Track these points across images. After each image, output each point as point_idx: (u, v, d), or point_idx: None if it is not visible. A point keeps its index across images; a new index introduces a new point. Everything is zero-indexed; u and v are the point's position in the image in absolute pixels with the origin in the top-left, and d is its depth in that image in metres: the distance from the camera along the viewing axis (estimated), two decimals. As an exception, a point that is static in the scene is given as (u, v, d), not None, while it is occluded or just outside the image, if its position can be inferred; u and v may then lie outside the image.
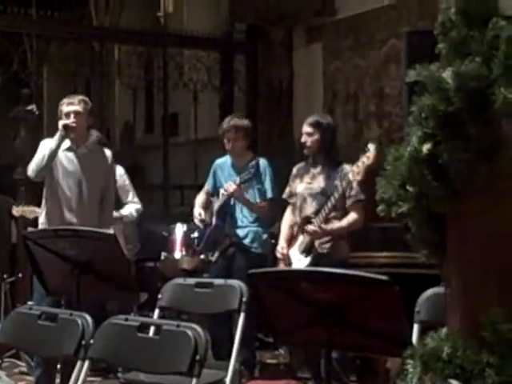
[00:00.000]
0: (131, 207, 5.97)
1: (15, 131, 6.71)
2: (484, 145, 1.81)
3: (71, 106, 5.00)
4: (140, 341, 2.98)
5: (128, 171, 6.13)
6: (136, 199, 6.03)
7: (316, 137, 5.13)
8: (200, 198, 5.96)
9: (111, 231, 4.35)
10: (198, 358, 2.81)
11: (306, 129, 5.17)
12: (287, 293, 3.10)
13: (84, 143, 5.12)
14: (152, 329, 3.05)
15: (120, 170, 5.95)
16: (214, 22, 9.03)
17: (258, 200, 5.73)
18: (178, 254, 6.10)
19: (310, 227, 4.98)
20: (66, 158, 5.04)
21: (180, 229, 6.19)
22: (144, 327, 3.00)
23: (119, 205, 5.86)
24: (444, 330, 1.99)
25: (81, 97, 5.20)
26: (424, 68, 1.87)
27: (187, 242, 6.08)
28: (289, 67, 8.27)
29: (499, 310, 1.87)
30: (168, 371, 2.96)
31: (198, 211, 5.86)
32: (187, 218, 6.23)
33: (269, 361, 6.23)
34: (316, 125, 5.15)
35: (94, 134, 5.27)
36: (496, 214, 1.89)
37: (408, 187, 1.92)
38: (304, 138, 5.18)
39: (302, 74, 8.25)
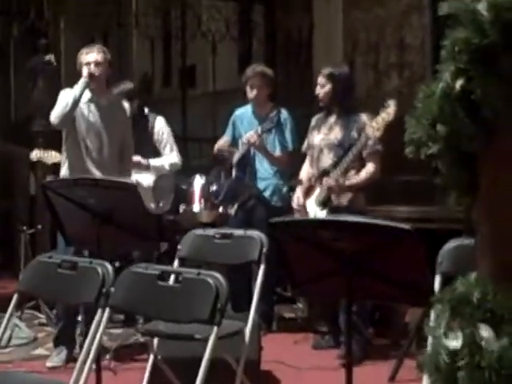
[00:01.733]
0: (164, 159, 5.76)
1: (33, 82, 6.65)
2: (520, 80, 1.74)
3: (91, 55, 4.92)
4: (160, 289, 2.95)
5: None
6: (174, 153, 5.80)
7: (327, 88, 5.06)
8: (221, 142, 5.93)
9: (131, 181, 4.31)
10: (219, 306, 2.78)
11: (319, 80, 5.13)
12: (307, 243, 3.05)
13: (104, 94, 5.05)
14: (172, 277, 3.02)
15: (160, 123, 5.81)
16: (232, -29, 8.88)
17: (278, 152, 5.68)
18: (196, 207, 6.08)
19: (327, 181, 4.92)
20: (87, 109, 4.98)
21: (199, 181, 6.15)
22: (164, 275, 2.96)
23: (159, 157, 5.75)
24: (474, 275, 1.93)
25: (100, 46, 5.12)
26: (457, 0, 1.79)
27: (206, 195, 6.05)
28: (308, 17, 8.13)
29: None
30: (188, 319, 2.93)
31: (221, 144, 5.83)
32: (206, 170, 6.18)
33: (287, 315, 6.24)
34: (328, 76, 5.08)
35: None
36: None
37: (439, 127, 1.85)
38: (317, 90, 5.13)
39: (322, 24, 8.12)
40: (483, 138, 1.81)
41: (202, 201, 6.08)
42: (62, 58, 7.76)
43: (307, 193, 5.16)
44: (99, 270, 3.02)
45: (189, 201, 6.13)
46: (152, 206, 5.55)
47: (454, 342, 1.84)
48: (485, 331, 1.82)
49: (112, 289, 2.98)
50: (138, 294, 3.00)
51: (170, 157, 5.79)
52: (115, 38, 8.32)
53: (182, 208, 6.13)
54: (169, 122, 5.91)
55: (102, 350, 4.09)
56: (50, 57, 5.63)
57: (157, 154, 5.72)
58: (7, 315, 3.16)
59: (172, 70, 9.78)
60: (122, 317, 5.59)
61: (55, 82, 6.17)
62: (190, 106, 8.47)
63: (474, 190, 1.90)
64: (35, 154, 5.77)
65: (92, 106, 4.99)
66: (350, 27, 7.84)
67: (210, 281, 2.82)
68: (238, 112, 5.91)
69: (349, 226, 3.07)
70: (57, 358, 4.81)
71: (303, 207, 5.12)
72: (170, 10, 8.75)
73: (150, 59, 9.26)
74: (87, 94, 4.95)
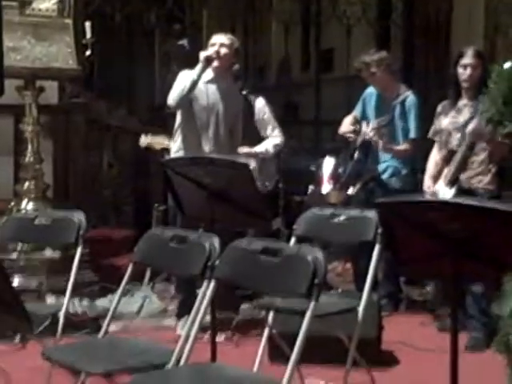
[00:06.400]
0: (268, 143, 5.71)
1: (167, 67, 6.87)
2: None
3: (219, 37, 5.16)
4: (262, 263, 3.04)
5: (282, 108, 6.04)
6: (276, 133, 5.73)
7: (479, 69, 4.91)
8: (349, 119, 5.97)
9: (244, 160, 4.41)
10: (316, 281, 2.85)
11: (470, 61, 4.96)
12: (414, 223, 3.04)
13: (225, 77, 5.24)
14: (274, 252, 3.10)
15: (259, 103, 5.82)
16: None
17: (400, 139, 5.69)
18: (325, 188, 6.13)
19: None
20: (207, 90, 5.18)
21: (328, 163, 6.19)
22: (266, 251, 3.06)
23: (259, 138, 5.74)
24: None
25: (230, 35, 5.33)
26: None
27: (335, 176, 6.09)
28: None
29: None
30: (287, 293, 3.03)
31: (348, 125, 5.88)
32: (337, 152, 6.22)
33: (416, 298, 6.20)
34: (480, 56, 4.97)
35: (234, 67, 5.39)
36: None
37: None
38: (468, 72, 4.96)
39: (462, 6, 7.94)
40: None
41: (331, 182, 6.13)
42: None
43: (436, 178, 5.12)
44: (206, 243, 3.16)
45: (318, 182, 6.21)
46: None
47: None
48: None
49: (217, 262, 3.11)
50: (241, 267, 3.12)
51: (273, 139, 5.76)
52: (253, 25, 8.43)
53: (310, 189, 6.22)
54: (305, 106, 6.01)
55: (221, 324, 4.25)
56: (184, 41, 5.82)
57: (256, 133, 5.75)
58: (123, 283, 3.38)
59: (310, 54, 9.81)
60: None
61: (190, 67, 6.38)
62: (325, 90, 8.50)
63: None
64: (144, 140, 5.93)
65: (212, 87, 5.19)
66: (491, 9, 7.63)
67: (309, 257, 2.89)
68: (369, 91, 5.97)
69: (457, 207, 3.02)
70: (181, 328, 4.98)
71: (434, 193, 5.07)
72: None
73: (285, 44, 9.32)
74: (209, 75, 5.15)
